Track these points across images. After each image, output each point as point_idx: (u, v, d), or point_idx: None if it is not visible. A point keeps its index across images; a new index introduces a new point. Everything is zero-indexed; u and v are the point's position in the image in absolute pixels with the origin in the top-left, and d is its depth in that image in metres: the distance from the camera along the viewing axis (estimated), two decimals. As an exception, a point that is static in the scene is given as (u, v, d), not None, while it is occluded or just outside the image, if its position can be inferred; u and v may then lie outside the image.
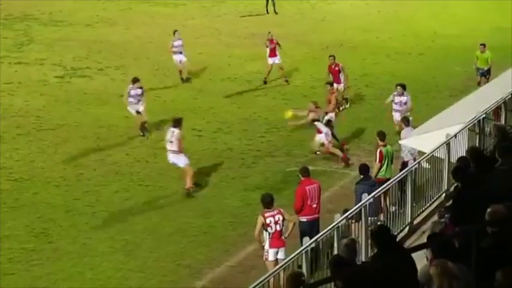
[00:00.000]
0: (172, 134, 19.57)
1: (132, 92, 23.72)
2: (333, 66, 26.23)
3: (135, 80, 23.94)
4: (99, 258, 16.51)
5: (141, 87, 23.93)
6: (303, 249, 12.11)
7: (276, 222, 14.73)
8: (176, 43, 29.04)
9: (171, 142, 19.50)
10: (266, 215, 14.77)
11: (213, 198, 19.48)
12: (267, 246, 14.82)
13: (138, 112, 23.57)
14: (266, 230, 14.77)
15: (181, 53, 28.84)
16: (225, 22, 40.02)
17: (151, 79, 28.16)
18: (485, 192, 10.30)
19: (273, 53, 28.65)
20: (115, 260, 16.44)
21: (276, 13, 41.97)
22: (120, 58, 31.81)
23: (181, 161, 19.64)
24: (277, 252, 14.77)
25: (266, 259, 14.86)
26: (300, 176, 16.32)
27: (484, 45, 28.06)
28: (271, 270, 13.11)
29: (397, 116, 22.64)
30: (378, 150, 18.22)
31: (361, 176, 16.64)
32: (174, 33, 29.51)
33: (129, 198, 19.40)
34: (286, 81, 29.02)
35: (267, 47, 28.75)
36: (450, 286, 7.86)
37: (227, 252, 16.77)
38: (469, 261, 8.24)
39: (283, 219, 14.83)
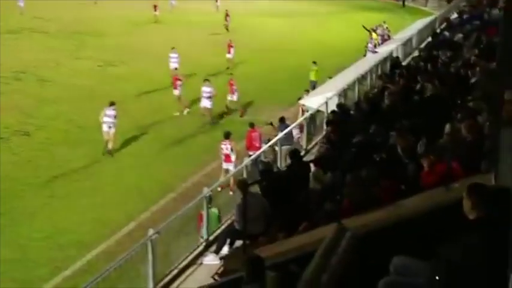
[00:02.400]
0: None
1: (108, 112, 17.28)
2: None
3: (111, 103, 17.48)
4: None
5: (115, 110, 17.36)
6: (242, 165, 12.21)
7: (226, 149, 14.78)
8: (173, 55, 24.82)
9: None
10: (222, 142, 14.78)
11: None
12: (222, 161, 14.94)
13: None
14: (221, 152, 14.86)
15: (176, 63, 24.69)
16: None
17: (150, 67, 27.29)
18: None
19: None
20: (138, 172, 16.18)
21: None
22: (133, 55, 30.79)
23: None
24: (227, 166, 14.81)
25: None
26: (249, 128, 16.03)
27: (315, 62, 24.14)
28: (222, 176, 14.11)
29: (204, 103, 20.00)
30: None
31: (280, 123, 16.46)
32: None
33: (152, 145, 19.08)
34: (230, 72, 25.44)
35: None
36: (315, 185, 8.06)
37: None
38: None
39: (231, 148, 14.79)
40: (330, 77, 21.54)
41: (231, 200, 11.53)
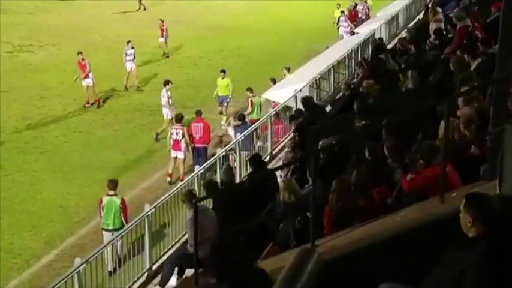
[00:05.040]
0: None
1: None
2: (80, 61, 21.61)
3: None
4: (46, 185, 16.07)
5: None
6: (194, 174, 12.26)
7: (177, 134, 15.72)
8: (129, 52, 23.68)
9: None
10: (173, 127, 15.97)
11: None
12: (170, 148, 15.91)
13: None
14: (171, 137, 15.83)
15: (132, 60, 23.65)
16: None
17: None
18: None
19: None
20: (57, 186, 16.05)
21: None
22: (55, 38, 30.47)
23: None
24: (175, 153, 15.85)
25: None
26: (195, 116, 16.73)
27: (224, 71, 20.94)
28: (171, 163, 15.72)
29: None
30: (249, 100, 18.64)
31: (240, 122, 16.73)
32: (127, 42, 23.77)
33: (66, 141, 18.90)
34: (167, 57, 27.73)
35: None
36: (289, 197, 8.15)
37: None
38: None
39: (183, 134, 15.69)
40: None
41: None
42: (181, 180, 14.03)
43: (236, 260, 4.82)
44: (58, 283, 8.29)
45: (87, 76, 21.45)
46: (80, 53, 21.90)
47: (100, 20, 34.28)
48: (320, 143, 9.28)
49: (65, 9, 37.18)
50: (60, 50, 28.18)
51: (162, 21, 28.21)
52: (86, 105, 21.50)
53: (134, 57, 23.66)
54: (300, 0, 39.77)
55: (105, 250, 10.27)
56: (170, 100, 18.98)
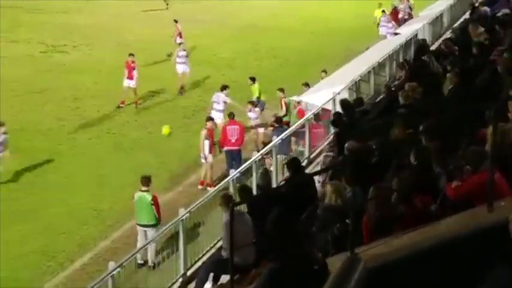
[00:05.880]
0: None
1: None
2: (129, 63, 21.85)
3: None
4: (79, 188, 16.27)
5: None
6: (229, 178, 12.28)
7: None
8: (181, 53, 23.67)
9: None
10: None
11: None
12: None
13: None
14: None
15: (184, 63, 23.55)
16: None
17: (114, 54, 27.45)
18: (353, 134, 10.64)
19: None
20: (91, 189, 16.22)
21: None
22: (88, 38, 30.92)
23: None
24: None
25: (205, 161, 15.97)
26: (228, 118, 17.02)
27: (252, 79, 20.65)
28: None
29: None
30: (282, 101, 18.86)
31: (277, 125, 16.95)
32: (179, 44, 24.43)
33: (99, 143, 19.15)
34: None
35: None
36: (336, 200, 8.12)
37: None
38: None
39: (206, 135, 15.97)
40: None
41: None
42: (210, 186, 14.12)
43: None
44: (92, 287, 8.41)
45: (131, 77, 21.67)
46: (131, 55, 22.22)
47: (130, 19, 34.71)
48: (346, 145, 9.26)
49: (96, 8, 37.69)
50: (93, 51, 28.61)
51: (176, 22, 28.27)
52: (121, 105, 21.77)
53: (186, 60, 23.67)
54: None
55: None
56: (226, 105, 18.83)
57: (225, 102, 18.75)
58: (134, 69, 21.70)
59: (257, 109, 18.96)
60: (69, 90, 23.39)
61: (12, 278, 12.35)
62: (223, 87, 19.07)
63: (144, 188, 12.46)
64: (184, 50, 23.93)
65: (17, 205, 15.14)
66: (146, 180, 12.56)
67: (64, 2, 38.27)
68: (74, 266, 12.86)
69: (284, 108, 18.92)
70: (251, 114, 18.90)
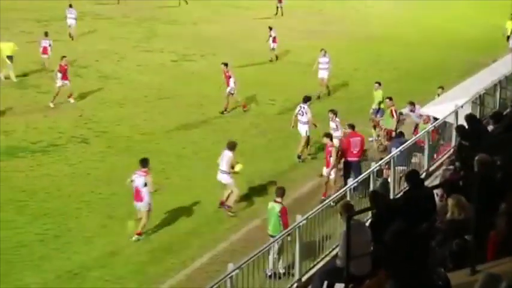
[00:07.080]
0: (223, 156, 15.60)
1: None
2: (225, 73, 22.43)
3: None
4: (202, 190, 16.65)
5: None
6: (347, 188, 12.15)
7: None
8: (322, 60, 24.01)
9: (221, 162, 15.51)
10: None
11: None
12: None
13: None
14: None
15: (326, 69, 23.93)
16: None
17: (239, 60, 27.98)
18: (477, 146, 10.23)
19: None
20: (213, 192, 16.45)
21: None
22: (215, 47, 31.76)
23: (229, 181, 15.54)
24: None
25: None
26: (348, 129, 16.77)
27: (378, 83, 20.65)
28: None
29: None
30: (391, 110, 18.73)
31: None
32: (320, 50, 24.49)
33: (222, 148, 19.44)
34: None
35: None
36: (459, 214, 7.82)
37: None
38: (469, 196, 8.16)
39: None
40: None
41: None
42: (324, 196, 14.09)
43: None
44: (212, 286, 8.57)
45: (228, 84, 22.30)
46: (225, 64, 22.72)
47: (250, 29, 35.42)
48: (477, 157, 8.87)
49: (224, 19, 38.68)
50: (219, 59, 29.28)
51: (271, 29, 29.39)
52: (224, 112, 22.33)
53: (328, 66, 23.86)
54: (458, 9, 38.38)
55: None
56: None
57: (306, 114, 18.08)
58: (230, 77, 22.26)
59: (338, 119, 17.64)
60: (195, 96, 24.15)
61: (140, 271, 12.93)
62: (307, 99, 18.50)
63: (278, 199, 12.46)
64: (325, 56, 24.01)
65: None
66: (280, 192, 12.55)
67: (197, 14, 39.63)
68: (194, 265, 13.18)
69: (395, 116, 18.53)
70: (332, 124, 17.68)
